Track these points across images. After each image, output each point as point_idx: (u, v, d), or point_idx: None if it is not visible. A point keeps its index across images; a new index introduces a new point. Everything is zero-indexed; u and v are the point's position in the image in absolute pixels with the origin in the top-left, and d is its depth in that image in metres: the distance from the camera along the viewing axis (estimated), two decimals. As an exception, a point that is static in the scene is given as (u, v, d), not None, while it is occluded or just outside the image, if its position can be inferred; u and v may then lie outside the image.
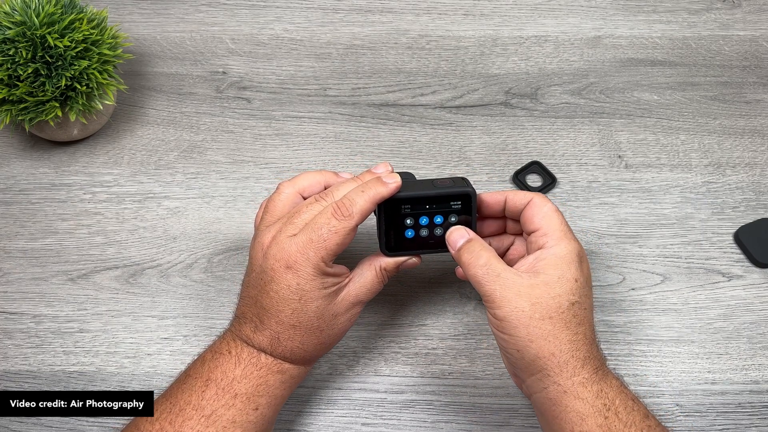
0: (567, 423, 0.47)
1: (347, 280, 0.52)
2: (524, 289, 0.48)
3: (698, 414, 0.59)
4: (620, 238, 0.68)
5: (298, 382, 0.54)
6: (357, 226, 0.51)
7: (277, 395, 0.51)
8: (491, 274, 0.49)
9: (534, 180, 0.71)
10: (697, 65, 0.79)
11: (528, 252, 0.53)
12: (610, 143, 0.73)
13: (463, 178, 0.55)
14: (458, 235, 0.53)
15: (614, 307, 0.64)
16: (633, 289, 0.65)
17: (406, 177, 0.55)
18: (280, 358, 0.51)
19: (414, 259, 0.55)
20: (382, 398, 0.60)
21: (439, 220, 0.54)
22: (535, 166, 0.71)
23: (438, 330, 0.63)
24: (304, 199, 0.54)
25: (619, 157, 0.72)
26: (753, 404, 0.59)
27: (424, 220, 0.54)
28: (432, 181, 0.55)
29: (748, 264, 0.66)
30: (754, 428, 0.58)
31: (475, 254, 0.51)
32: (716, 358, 0.61)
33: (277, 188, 0.55)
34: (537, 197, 0.54)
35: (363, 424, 0.59)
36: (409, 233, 0.54)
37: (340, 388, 0.61)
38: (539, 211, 0.53)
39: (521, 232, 0.56)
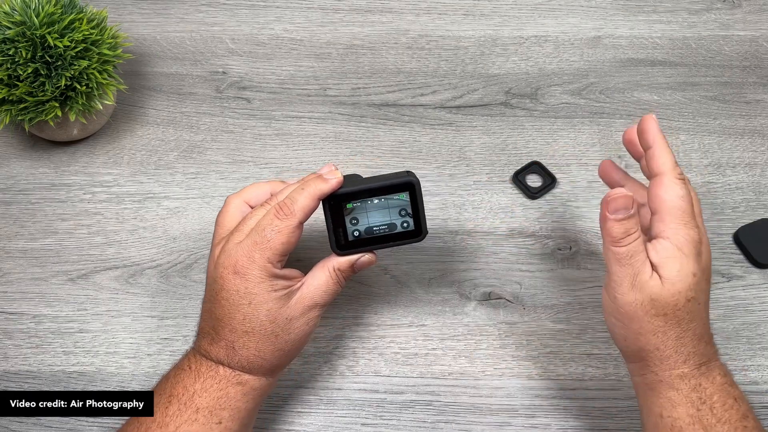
0: (657, 406, 0.49)
1: (300, 283, 0.52)
2: (648, 283, 0.48)
3: (698, 414, 0.59)
4: (620, 238, 0.67)
5: (262, 395, 0.53)
6: (301, 224, 0.50)
7: (240, 408, 0.51)
8: (638, 257, 0.48)
9: (534, 180, 0.71)
10: (697, 65, 0.79)
11: (649, 233, 0.51)
12: (610, 143, 0.73)
13: (407, 171, 0.54)
14: (622, 204, 0.49)
15: (614, 308, 0.64)
16: (633, 289, 0.65)
17: (352, 177, 0.54)
18: (238, 368, 0.51)
19: (368, 256, 0.54)
20: (382, 398, 0.60)
21: (386, 214, 0.53)
22: (535, 166, 0.71)
23: (438, 330, 0.63)
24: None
25: (619, 157, 0.72)
26: (753, 404, 0.59)
27: (372, 216, 0.53)
28: (378, 177, 0.54)
29: (748, 264, 0.66)
30: (753, 428, 0.58)
31: (632, 233, 0.49)
32: (716, 359, 0.61)
33: (225, 202, 0.55)
34: (666, 176, 0.50)
35: (363, 424, 0.59)
36: (359, 230, 0.53)
37: (340, 388, 0.61)
38: (662, 192, 0.49)
39: None
